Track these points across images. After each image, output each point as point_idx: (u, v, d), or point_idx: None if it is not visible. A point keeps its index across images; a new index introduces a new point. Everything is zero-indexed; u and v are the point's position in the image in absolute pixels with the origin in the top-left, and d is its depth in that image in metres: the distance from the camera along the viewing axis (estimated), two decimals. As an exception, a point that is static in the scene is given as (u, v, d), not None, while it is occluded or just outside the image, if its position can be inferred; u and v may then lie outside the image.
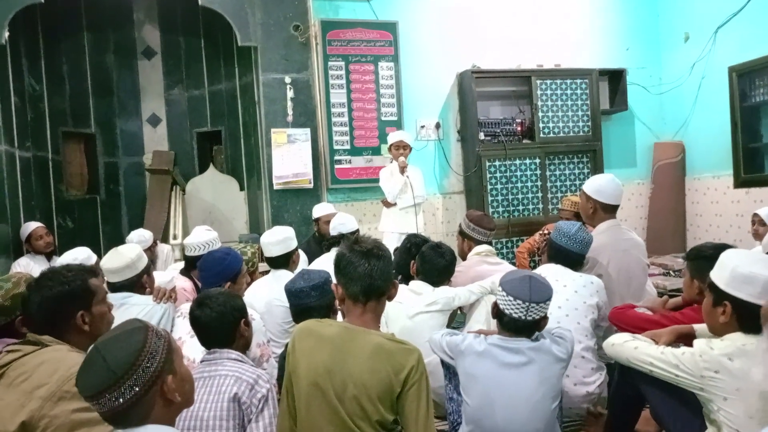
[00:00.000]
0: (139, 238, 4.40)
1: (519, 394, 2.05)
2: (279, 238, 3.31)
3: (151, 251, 4.51)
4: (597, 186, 3.23)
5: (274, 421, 1.85)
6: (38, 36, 5.47)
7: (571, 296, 2.67)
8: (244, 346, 2.06)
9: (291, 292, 2.48)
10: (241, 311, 2.05)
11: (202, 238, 3.30)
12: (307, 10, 5.17)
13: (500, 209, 5.42)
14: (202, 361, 1.97)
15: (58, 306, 1.79)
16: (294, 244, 3.41)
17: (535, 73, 5.56)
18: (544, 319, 2.14)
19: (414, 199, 4.52)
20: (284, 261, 3.31)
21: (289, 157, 5.06)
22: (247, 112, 5.91)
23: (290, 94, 5.08)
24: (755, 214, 4.29)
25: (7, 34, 4.46)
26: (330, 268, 2.75)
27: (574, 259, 2.84)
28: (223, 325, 1.98)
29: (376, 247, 1.81)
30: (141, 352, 1.25)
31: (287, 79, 5.09)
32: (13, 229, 4.64)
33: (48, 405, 1.55)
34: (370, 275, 1.74)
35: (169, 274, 3.21)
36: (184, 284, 3.15)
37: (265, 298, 3.08)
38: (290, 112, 5.09)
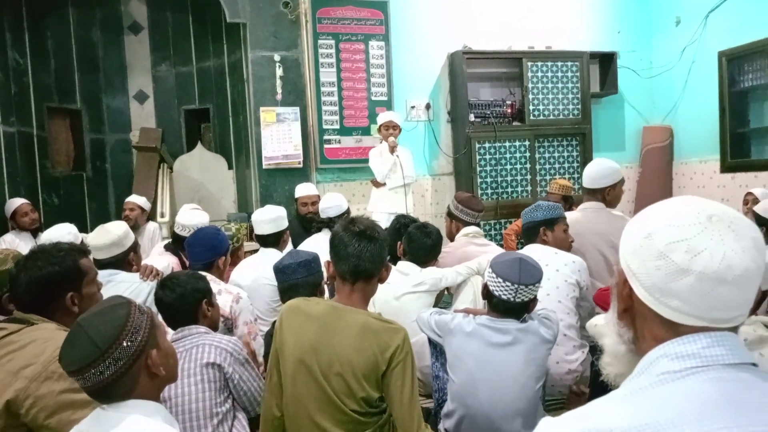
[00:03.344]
0: (143, 199, 4.81)
1: (504, 374, 2.08)
2: (272, 217, 3.33)
3: (137, 218, 4.66)
4: (585, 169, 3.29)
5: (258, 378, 1.91)
6: (22, 9, 5.34)
7: (552, 275, 2.68)
8: (210, 327, 2.10)
9: (278, 269, 2.49)
10: (202, 292, 2.08)
11: (194, 221, 3.24)
12: (297, -14, 5.09)
13: (489, 191, 5.43)
14: (173, 342, 1.96)
15: (47, 287, 1.75)
16: (285, 224, 3.43)
17: (526, 55, 5.53)
18: (534, 301, 2.16)
19: (404, 179, 4.51)
20: (275, 240, 3.33)
21: (279, 137, 5.03)
22: (236, 89, 5.83)
23: (279, 72, 5.03)
24: (749, 193, 4.24)
25: (-11, 6, 4.37)
26: (317, 249, 2.77)
27: None
28: (183, 306, 2.03)
29: (370, 228, 1.80)
30: (124, 326, 1.26)
31: (276, 57, 5.03)
32: (-2, 205, 4.60)
33: (34, 385, 1.53)
34: (358, 256, 1.75)
35: (165, 260, 3.11)
36: (170, 260, 3.12)
37: (252, 276, 3.08)
38: (279, 90, 5.03)
